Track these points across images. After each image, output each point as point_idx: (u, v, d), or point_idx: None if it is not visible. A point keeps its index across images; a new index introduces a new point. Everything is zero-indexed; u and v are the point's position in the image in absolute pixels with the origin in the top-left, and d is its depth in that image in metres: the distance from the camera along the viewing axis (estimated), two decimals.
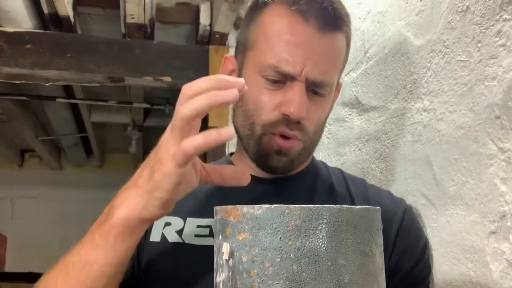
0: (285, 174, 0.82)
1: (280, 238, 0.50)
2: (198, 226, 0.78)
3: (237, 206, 0.53)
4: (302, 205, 0.51)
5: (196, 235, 0.77)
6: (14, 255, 5.14)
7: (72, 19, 2.35)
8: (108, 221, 0.62)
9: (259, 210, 0.51)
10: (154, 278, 0.76)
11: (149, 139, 4.69)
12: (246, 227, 0.52)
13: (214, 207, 0.58)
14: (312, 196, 0.82)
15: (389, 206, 0.81)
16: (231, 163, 0.88)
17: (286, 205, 0.51)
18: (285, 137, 0.76)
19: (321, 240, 0.50)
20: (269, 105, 0.75)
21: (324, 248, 0.50)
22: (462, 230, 0.73)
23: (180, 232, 0.78)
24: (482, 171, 0.69)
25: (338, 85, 0.85)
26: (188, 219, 0.79)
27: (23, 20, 2.25)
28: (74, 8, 2.40)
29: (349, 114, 1.19)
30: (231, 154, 0.91)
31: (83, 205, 5.03)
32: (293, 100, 0.73)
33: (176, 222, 0.79)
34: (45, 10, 2.26)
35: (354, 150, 1.15)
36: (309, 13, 0.74)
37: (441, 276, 0.78)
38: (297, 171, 0.84)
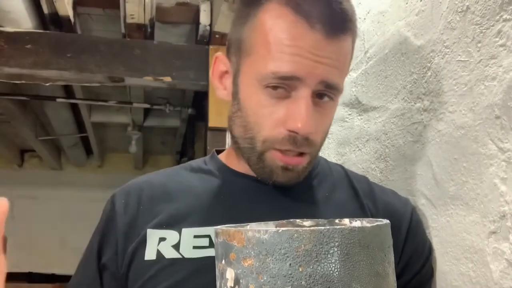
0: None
1: (290, 264, 0.47)
2: (195, 237, 0.72)
3: (241, 229, 0.50)
4: (312, 228, 0.48)
5: (195, 247, 0.71)
6: (14, 255, 5.14)
7: (72, 19, 2.35)
8: None
9: (266, 234, 0.48)
10: None
11: (149, 139, 4.70)
12: (252, 252, 0.49)
13: (214, 228, 0.54)
14: (314, 194, 0.79)
15: (397, 206, 0.80)
16: (221, 163, 0.82)
17: (294, 229, 0.48)
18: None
19: (333, 265, 0.47)
20: (271, 119, 0.69)
21: (337, 273, 0.47)
22: (462, 230, 0.73)
23: (177, 247, 0.71)
24: (482, 171, 0.69)
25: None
26: (184, 230, 0.72)
27: (23, 20, 2.26)
28: (74, 8, 2.40)
29: (349, 114, 1.19)
30: (218, 151, 0.85)
31: (83, 205, 5.03)
32: (300, 113, 0.66)
33: (171, 235, 0.72)
34: (45, 10, 2.27)
35: (354, 150, 1.15)
36: (314, 16, 0.66)
37: (441, 276, 0.78)
38: None
